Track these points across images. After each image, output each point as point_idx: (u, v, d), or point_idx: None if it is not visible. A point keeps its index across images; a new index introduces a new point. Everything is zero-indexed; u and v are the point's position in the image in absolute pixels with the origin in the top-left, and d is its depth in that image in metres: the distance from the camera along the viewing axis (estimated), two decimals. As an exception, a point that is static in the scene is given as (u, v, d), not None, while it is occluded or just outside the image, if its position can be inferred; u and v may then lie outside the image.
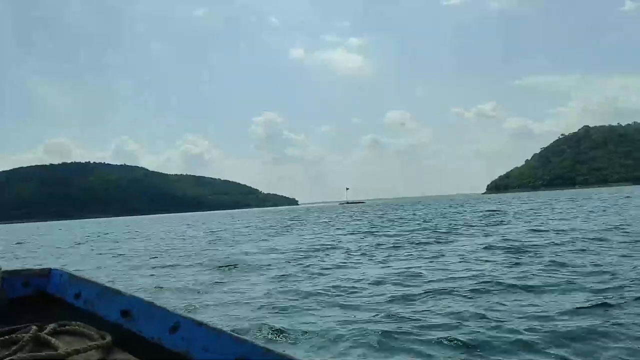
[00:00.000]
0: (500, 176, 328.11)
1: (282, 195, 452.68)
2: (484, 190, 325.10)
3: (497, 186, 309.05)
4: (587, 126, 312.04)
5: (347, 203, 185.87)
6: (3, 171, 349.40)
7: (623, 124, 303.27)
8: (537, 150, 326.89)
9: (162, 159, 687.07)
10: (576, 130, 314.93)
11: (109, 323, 1.69)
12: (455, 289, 8.34)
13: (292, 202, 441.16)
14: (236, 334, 1.34)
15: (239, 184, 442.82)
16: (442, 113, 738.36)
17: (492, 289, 8.24)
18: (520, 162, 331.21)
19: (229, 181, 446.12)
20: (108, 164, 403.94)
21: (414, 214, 45.22)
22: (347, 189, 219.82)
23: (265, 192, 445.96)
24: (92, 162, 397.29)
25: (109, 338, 1.58)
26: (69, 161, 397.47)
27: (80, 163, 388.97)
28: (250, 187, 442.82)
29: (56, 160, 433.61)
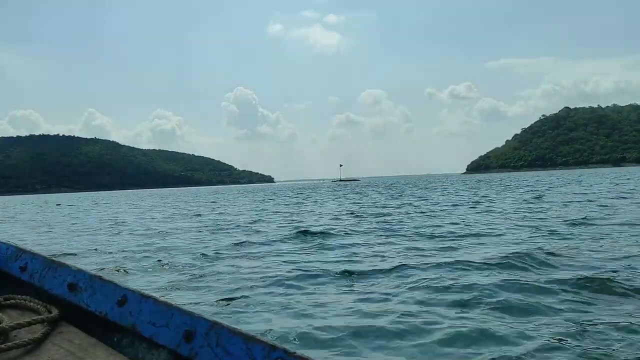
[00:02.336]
0: (480, 156, 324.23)
1: (257, 173, 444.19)
2: (464, 170, 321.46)
3: (478, 166, 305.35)
4: (568, 107, 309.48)
5: (341, 181, 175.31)
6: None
7: (603, 106, 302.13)
8: (514, 131, 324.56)
9: (133, 133, 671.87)
10: (556, 111, 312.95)
11: (56, 296, 1.64)
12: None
13: (268, 179, 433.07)
14: (184, 307, 1.32)
15: (213, 160, 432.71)
16: (417, 93, 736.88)
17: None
18: (496, 143, 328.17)
19: (203, 157, 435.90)
20: (78, 137, 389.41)
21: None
22: (341, 165, 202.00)
23: (241, 169, 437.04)
24: (61, 134, 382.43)
25: (55, 312, 1.54)
26: (37, 133, 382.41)
27: (49, 135, 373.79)
28: (225, 164, 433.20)
29: (23, 133, 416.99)
